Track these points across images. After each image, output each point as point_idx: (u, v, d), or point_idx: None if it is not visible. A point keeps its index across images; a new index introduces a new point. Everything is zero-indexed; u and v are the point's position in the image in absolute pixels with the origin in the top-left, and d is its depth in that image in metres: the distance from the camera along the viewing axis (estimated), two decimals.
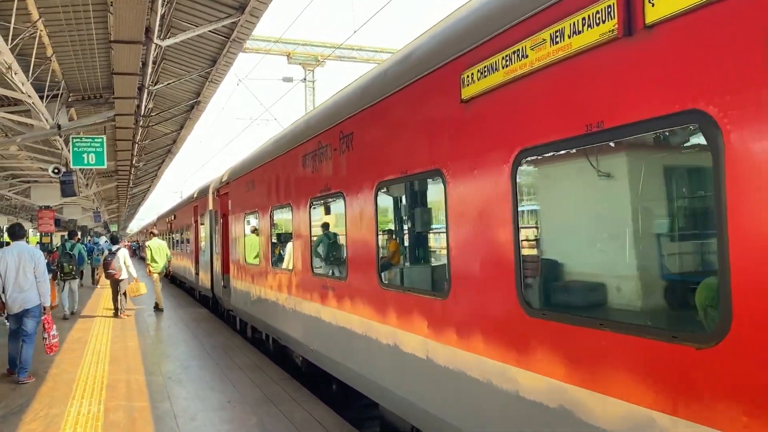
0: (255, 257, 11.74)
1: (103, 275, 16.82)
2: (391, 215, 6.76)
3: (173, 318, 16.31)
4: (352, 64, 36.40)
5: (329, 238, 7.68)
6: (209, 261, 17.86)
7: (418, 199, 6.32)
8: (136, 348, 11.71)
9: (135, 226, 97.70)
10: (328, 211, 8.08)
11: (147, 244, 18.64)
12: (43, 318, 9.10)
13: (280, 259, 10.20)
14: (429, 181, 5.65)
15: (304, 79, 32.55)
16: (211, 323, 15.19)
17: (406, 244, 6.78)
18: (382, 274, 6.00)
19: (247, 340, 12.80)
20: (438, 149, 4.87)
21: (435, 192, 5.77)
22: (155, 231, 23.04)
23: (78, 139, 15.61)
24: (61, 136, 15.42)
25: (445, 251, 4.84)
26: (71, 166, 15.85)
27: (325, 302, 7.51)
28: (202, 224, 19.66)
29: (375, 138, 6.05)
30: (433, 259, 6.43)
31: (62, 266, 16.34)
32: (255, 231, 11.76)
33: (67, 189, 19.27)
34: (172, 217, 29.46)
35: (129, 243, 59.71)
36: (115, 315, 16.03)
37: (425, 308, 5.08)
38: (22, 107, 14.37)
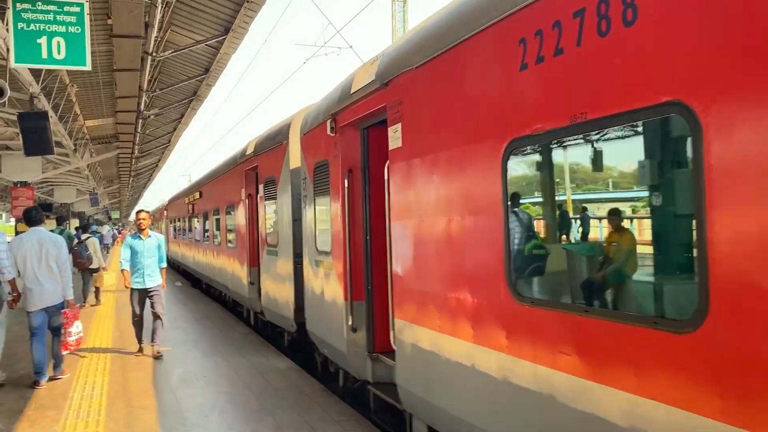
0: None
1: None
2: None
3: (226, 388, 7.77)
4: None
5: None
6: (292, 265, 9.45)
7: None
8: None
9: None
10: None
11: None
12: (63, 312, 8.07)
13: None
14: None
15: None
16: (334, 416, 6.65)
17: None
18: None
19: None
20: None
21: None
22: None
23: (26, 5, 7.04)
24: None
25: None
26: (13, 64, 7.22)
27: None
28: (268, 198, 11.05)
29: None
30: None
31: None
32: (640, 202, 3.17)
33: (33, 137, 10.84)
34: (196, 195, 20.80)
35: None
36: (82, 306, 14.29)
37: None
38: None
